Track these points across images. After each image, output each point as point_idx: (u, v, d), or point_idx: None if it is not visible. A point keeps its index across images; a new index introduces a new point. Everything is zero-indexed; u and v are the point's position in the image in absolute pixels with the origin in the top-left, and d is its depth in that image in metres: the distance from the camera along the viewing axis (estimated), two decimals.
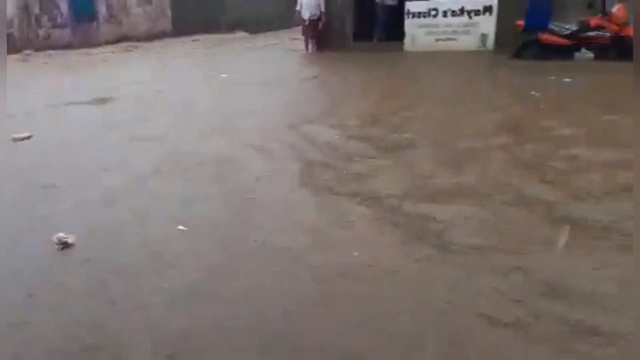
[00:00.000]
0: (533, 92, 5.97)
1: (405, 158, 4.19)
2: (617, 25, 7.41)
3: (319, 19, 10.91)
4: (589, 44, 7.67)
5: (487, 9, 9.33)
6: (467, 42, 9.48)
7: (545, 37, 7.88)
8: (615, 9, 7.50)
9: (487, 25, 9.31)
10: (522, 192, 3.35)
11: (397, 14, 10.40)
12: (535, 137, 4.41)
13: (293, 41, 12.26)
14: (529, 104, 5.57)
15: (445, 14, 9.76)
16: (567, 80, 6.46)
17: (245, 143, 4.87)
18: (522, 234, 2.85)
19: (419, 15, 10.00)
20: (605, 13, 7.66)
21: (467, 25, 9.51)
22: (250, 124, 5.58)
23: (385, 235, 2.97)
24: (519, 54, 8.22)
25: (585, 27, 7.66)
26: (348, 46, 10.86)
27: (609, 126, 4.52)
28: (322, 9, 10.91)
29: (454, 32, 9.65)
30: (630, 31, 7.44)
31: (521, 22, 8.14)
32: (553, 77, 6.63)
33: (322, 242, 2.93)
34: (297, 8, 11.24)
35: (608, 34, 7.49)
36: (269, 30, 14.95)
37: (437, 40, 9.81)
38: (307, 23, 11.05)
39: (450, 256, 2.65)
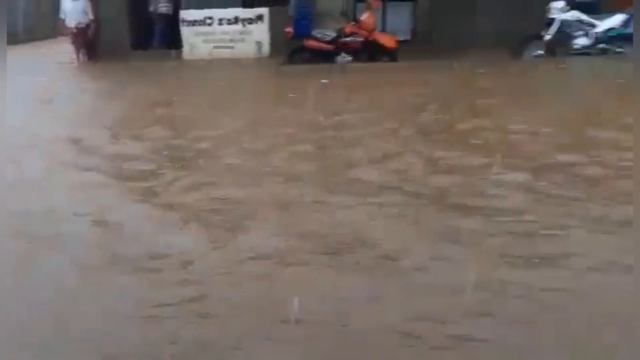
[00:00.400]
0: (291, 94, 6.58)
1: (199, 165, 4.24)
2: (366, 31, 8.55)
3: (87, 26, 10.16)
4: (346, 48, 8.67)
5: (259, 18, 9.86)
6: (244, 49, 9.87)
7: (309, 43, 8.66)
8: (364, 17, 8.65)
9: (261, 33, 9.83)
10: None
11: (173, 22, 10.31)
12: (307, 133, 4.87)
13: (61, 52, 11.18)
14: (291, 102, 6.13)
15: (220, 22, 10.01)
16: (324, 81, 7.22)
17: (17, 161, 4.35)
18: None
19: (194, 23, 10.06)
20: (356, 21, 8.78)
21: (242, 33, 9.90)
22: (23, 141, 4.94)
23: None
24: (290, 59, 8.89)
25: (342, 33, 8.65)
26: (124, 55, 10.35)
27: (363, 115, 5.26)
28: (91, 16, 10.17)
29: (231, 40, 9.95)
30: (376, 36, 8.67)
31: (290, 30, 8.82)
32: (313, 79, 7.34)
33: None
34: (61, 16, 10.30)
35: (360, 39, 8.59)
36: (32, 40, 13.40)
37: (215, 47, 10.00)
38: (74, 32, 10.20)
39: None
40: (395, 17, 9.53)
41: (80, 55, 10.31)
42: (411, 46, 8.90)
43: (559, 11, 8.18)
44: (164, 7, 10.54)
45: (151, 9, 10.54)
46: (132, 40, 10.62)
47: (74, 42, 10.30)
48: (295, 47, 8.81)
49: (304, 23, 8.84)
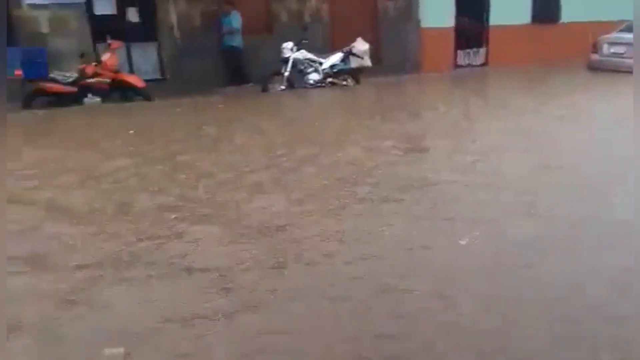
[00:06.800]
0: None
1: None
2: (110, 71, 8.28)
3: None
4: (92, 89, 8.23)
5: None
6: None
7: (49, 86, 7.96)
8: (105, 57, 8.34)
9: None
10: None
11: None
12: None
13: None
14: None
15: None
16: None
17: None
18: None
19: None
20: (98, 62, 8.41)
21: None
22: None
23: None
24: (29, 104, 8.02)
25: (83, 75, 8.19)
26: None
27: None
28: None
29: None
30: (122, 76, 8.49)
31: (19, 72, 7.97)
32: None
33: None
34: None
35: (107, 80, 8.27)
36: None
37: None
38: None
39: None
40: (140, 57, 9.54)
41: None
42: (163, 84, 9.00)
43: (289, 50, 9.21)
44: None
45: None
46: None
47: None
48: (31, 90, 8.03)
49: (38, 64, 8.14)
